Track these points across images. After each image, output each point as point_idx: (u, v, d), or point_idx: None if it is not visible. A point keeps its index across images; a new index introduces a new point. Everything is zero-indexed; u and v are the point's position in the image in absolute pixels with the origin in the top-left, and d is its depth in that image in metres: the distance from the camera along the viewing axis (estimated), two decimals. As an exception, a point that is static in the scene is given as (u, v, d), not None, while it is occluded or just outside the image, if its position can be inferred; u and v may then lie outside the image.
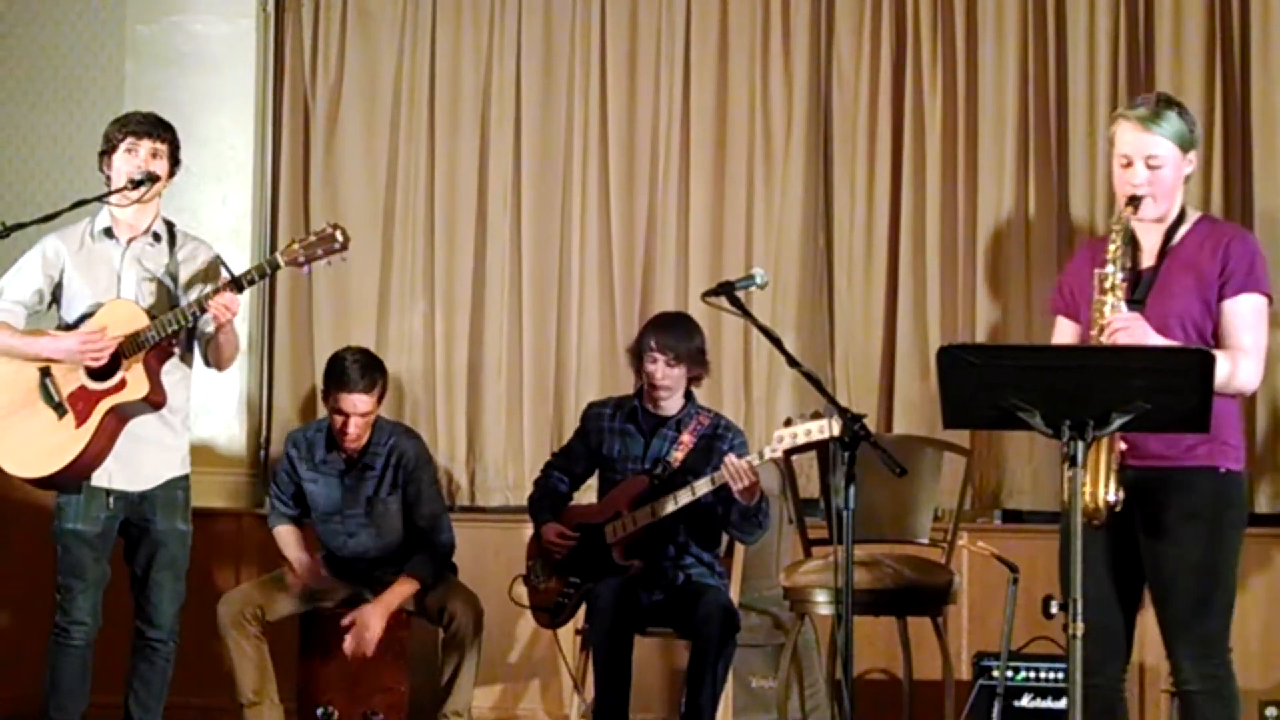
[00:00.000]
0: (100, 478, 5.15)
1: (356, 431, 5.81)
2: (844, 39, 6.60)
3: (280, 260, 5.12)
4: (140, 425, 5.14)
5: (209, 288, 5.11)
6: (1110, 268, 4.15)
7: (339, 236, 5.11)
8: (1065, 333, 4.43)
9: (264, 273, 5.17)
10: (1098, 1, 6.34)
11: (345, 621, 5.76)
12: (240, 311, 5.19)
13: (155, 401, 5.09)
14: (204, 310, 5.04)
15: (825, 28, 6.62)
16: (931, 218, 6.47)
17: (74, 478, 5.12)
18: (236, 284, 5.05)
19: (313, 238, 5.12)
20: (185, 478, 5.34)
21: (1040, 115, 6.40)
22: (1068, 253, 6.31)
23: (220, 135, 6.92)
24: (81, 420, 5.06)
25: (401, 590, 5.79)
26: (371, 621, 5.74)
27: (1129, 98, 6.17)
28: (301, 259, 5.10)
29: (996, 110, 6.43)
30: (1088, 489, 4.00)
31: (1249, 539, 4.23)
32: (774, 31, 6.64)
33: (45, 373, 5.12)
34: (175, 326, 5.05)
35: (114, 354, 5.05)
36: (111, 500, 5.19)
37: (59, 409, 5.08)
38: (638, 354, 5.65)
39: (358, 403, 5.78)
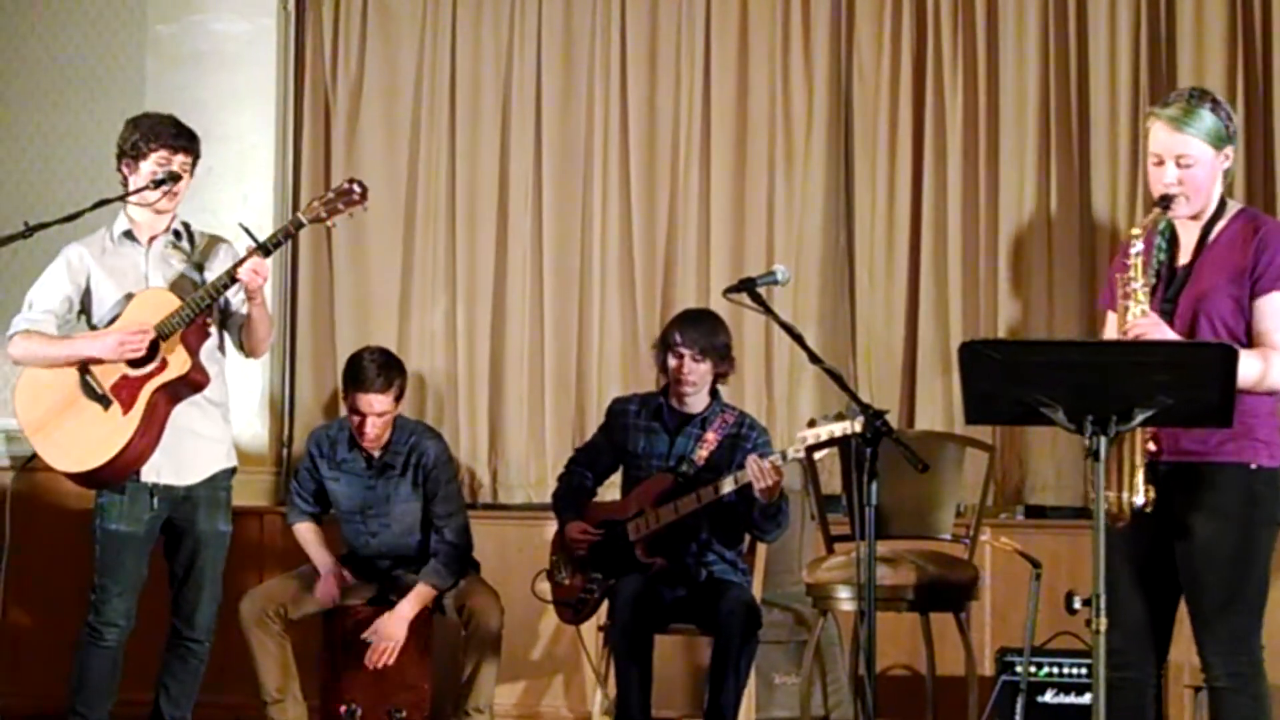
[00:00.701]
0: (149, 473, 5.16)
1: (375, 432, 5.82)
2: (864, 34, 6.59)
3: (303, 219, 5.15)
4: (184, 418, 5.15)
5: (238, 260, 5.11)
6: (1132, 271, 4.12)
7: (356, 189, 5.13)
8: (1112, 327, 4.40)
9: (288, 233, 5.20)
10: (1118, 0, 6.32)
11: (366, 635, 5.79)
12: (265, 297, 5.20)
13: (197, 381, 5.10)
14: (234, 280, 5.04)
15: (846, 23, 6.61)
16: (953, 213, 6.45)
17: (125, 467, 5.10)
18: (263, 248, 5.05)
19: (331, 194, 5.16)
20: (231, 472, 5.36)
21: (1061, 109, 6.39)
22: (1089, 248, 6.32)
23: (241, 134, 6.94)
24: (128, 407, 5.06)
25: (417, 599, 5.80)
26: (391, 631, 5.76)
27: (1150, 92, 6.18)
28: (323, 214, 5.12)
29: (1018, 105, 6.42)
30: (1111, 492, 3.99)
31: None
32: (794, 27, 6.64)
33: (84, 370, 5.12)
34: (208, 301, 5.06)
35: (152, 340, 5.06)
36: (155, 501, 5.19)
37: (104, 401, 5.09)
38: (662, 349, 5.64)
39: (374, 402, 5.78)
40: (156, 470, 5.17)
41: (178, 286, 5.21)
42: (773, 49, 6.66)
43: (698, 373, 5.58)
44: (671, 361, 5.59)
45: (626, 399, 5.86)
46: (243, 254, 5.13)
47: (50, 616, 6.54)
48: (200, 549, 5.27)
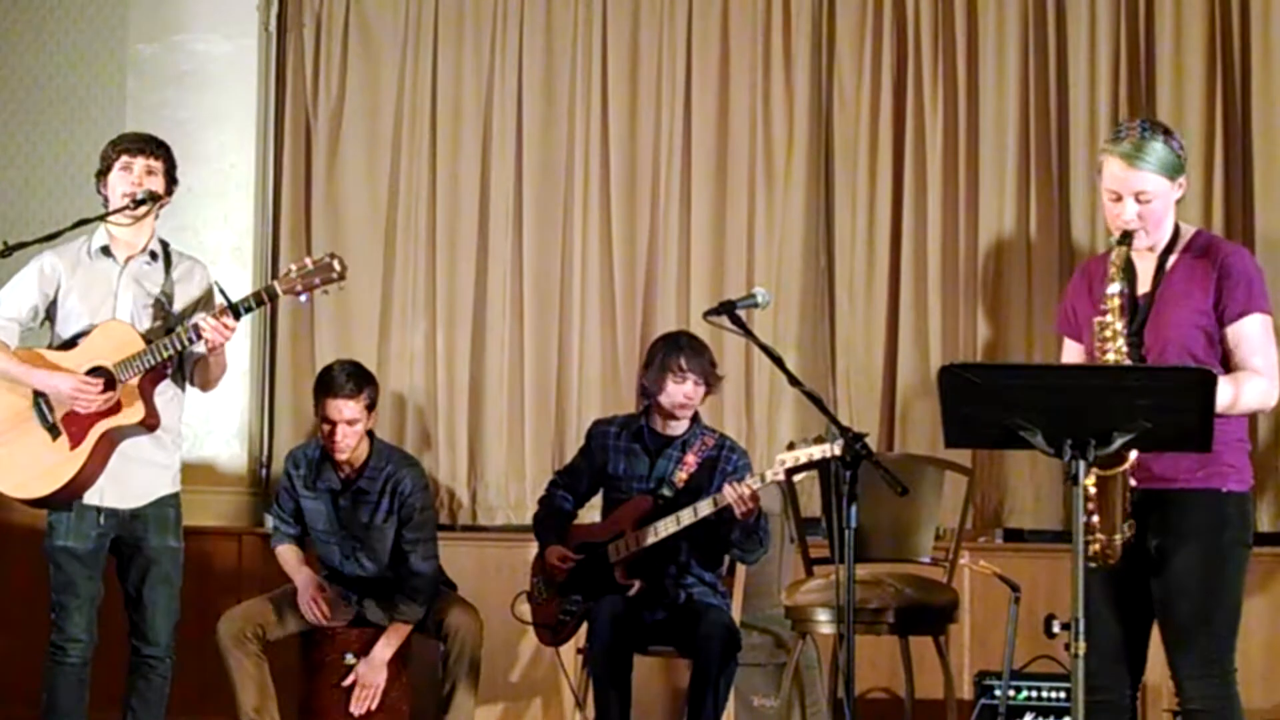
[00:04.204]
0: (92, 495, 5.14)
1: (346, 442, 5.79)
2: (845, 58, 6.61)
3: (278, 289, 5.09)
4: (131, 444, 5.14)
5: (205, 315, 5.05)
6: (1110, 316, 4.11)
7: (336, 266, 5.07)
8: (1072, 353, 4.43)
9: (261, 301, 5.12)
10: (1098, 23, 6.36)
11: (346, 683, 5.79)
12: (239, 329, 5.17)
13: (150, 425, 5.10)
14: (200, 336, 5.03)
15: (826, 46, 6.63)
16: (933, 236, 6.47)
17: (68, 498, 5.12)
18: (234, 310, 5.03)
19: (310, 266, 5.08)
20: (176, 496, 5.32)
21: (1041, 135, 6.41)
22: (1068, 271, 6.32)
23: (222, 153, 6.93)
24: (76, 442, 5.06)
25: (392, 640, 5.80)
26: (372, 678, 5.77)
27: (1129, 115, 6.19)
28: (299, 288, 5.07)
29: (997, 129, 6.44)
30: (1101, 534, 4.01)
31: (1253, 558, 4.20)
32: (775, 50, 6.65)
33: (39, 394, 5.12)
34: (170, 351, 5.05)
35: (109, 377, 5.05)
36: (102, 518, 5.17)
37: (53, 430, 5.09)
38: (661, 375, 5.59)
39: (344, 408, 5.76)
40: (100, 493, 5.15)
41: (144, 311, 5.19)
42: (753, 71, 6.68)
43: (698, 397, 5.59)
44: (674, 387, 5.57)
45: (607, 421, 5.86)
46: (219, 292, 5.12)
47: (20, 639, 6.50)
48: (152, 565, 5.23)
